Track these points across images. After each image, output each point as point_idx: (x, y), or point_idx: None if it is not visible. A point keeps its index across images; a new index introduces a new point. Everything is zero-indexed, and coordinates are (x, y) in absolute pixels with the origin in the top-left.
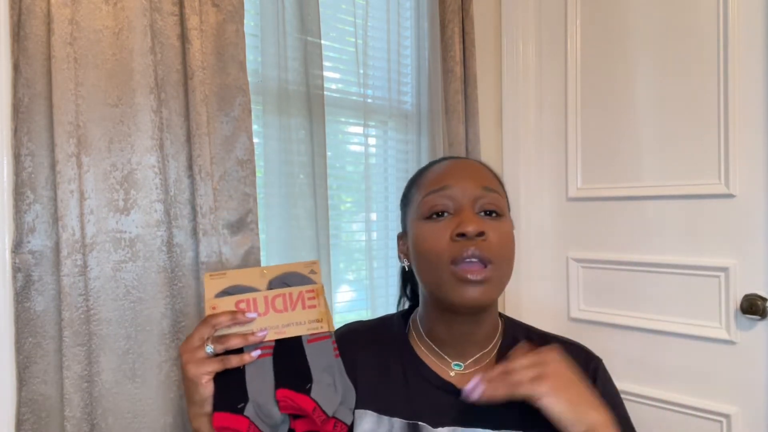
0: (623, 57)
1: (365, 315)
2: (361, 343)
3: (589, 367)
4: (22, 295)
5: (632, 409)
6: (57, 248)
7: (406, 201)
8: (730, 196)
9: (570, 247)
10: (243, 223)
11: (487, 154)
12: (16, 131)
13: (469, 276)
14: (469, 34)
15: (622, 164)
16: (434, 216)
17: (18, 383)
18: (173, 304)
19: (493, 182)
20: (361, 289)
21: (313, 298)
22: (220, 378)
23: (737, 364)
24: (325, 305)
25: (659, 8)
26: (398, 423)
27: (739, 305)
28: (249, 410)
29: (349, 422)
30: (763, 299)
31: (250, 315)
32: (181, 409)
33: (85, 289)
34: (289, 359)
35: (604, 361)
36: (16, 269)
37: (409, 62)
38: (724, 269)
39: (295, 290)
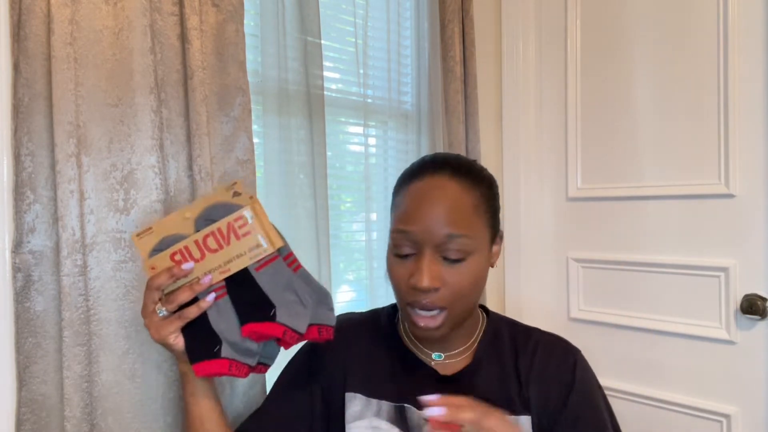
0: (623, 57)
1: None
2: (353, 332)
3: (568, 359)
4: (22, 295)
5: (632, 409)
6: (57, 248)
7: (392, 202)
8: (730, 196)
9: (570, 247)
10: None
11: (487, 154)
12: (16, 131)
13: (419, 323)
14: (469, 34)
15: (622, 164)
16: (399, 254)
17: (18, 383)
18: None
19: (464, 220)
20: (361, 289)
21: (244, 224)
22: (187, 331)
23: (737, 364)
24: (261, 224)
25: (659, 8)
26: (386, 405)
27: (739, 305)
28: (225, 350)
29: (332, 323)
30: (763, 299)
31: (187, 266)
32: (181, 409)
33: (85, 289)
34: (245, 292)
35: (604, 361)
36: (16, 269)
37: (409, 62)
38: (724, 269)
39: (222, 223)
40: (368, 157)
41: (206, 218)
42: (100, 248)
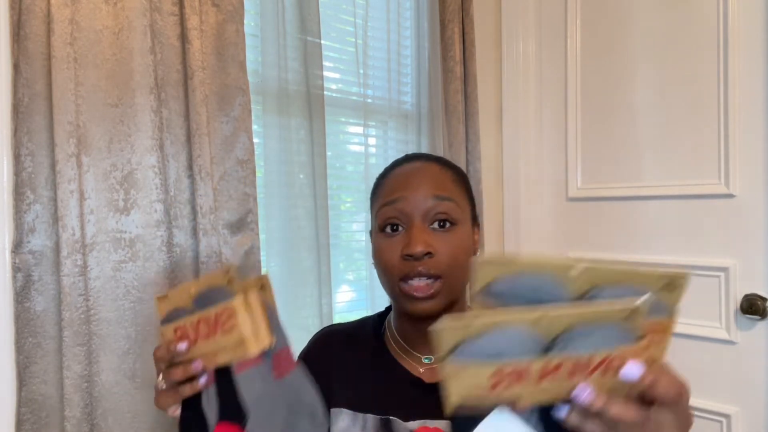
0: (623, 57)
1: (365, 315)
2: (336, 346)
3: None
4: (22, 295)
5: None
6: (57, 248)
7: (371, 202)
8: (730, 196)
9: (570, 247)
10: (243, 223)
11: (487, 154)
12: (16, 131)
13: (415, 294)
14: (469, 34)
15: (622, 164)
16: (388, 229)
17: (18, 383)
18: None
19: (448, 188)
20: (361, 289)
21: (229, 318)
22: (186, 405)
23: (737, 364)
24: (250, 320)
25: (659, 8)
26: (371, 418)
27: (739, 305)
28: None
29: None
30: (763, 299)
31: (180, 346)
32: None
33: (85, 289)
34: (227, 388)
35: None
36: (16, 269)
37: (409, 62)
38: (724, 269)
39: (212, 312)
40: (368, 157)
41: (204, 300)
42: (100, 248)
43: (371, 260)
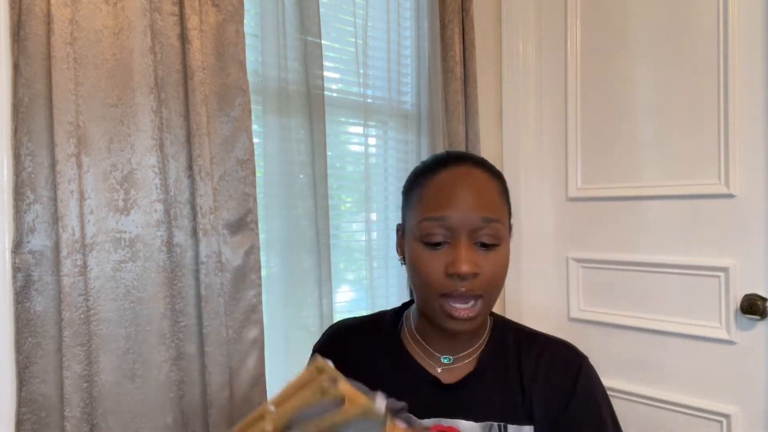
0: (623, 57)
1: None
2: (352, 341)
3: (572, 366)
4: (22, 295)
5: (632, 409)
6: (57, 248)
7: (405, 200)
8: (730, 196)
9: (570, 247)
10: (243, 223)
11: (487, 154)
12: (16, 131)
13: (456, 315)
14: (469, 34)
15: (622, 164)
16: (430, 241)
17: (18, 383)
18: (173, 304)
19: (496, 207)
20: (361, 289)
21: None
22: None
23: (737, 364)
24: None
25: (659, 8)
26: None
27: (739, 305)
28: None
29: None
30: (763, 299)
31: None
32: (181, 409)
33: (85, 289)
34: None
35: (604, 361)
36: (16, 269)
37: (409, 62)
38: (724, 269)
39: None
40: (368, 157)
41: (298, 422)
42: (100, 248)
43: (371, 261)
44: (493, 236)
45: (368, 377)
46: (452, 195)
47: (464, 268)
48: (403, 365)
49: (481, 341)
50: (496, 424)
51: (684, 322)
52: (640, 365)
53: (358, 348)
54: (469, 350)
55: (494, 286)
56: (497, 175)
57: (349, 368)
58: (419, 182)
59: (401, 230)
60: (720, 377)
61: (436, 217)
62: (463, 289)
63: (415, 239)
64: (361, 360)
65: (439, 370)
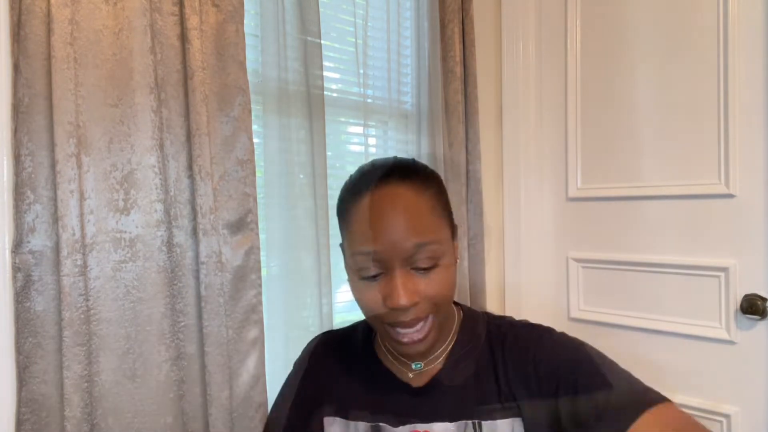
0: (623, 57)
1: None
2: (330, 355)
3: (534, 335)
4: (22, 295)
5: None
6: (57, 248)
7: (338, 219)
8: (730, 196)
9: (570, 247)
10: (243, 223)
11: (487, 154)
12: (16, 131)
13: (404, 340)
14: (469, 34)
15: (622, 164)
16: (364, 274)
17: (18, 383)
18: (173, 304)
19: (427, 228)
20: None
21: None
22: None
23: (737, 364)
24: None
25: (659, 8)
26: (362, 426)
27: (739, 305)
28: None
29: None
30: (763, 299)
31: None
32: (181, 409)
33: (85, 289)
34: None
35: None
36: (16, 269)
37: (409, 62)
38: (724, 269)
39: None
40: (368, 157)
41: None
42: (100, 248)
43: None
44: (429, 259)
45: (345, 389)
46: (378, 225)
47: (402, 301)
48: (377, 374)
49: (448, 340)
50: (470, 422)
51: (684, 322)
52: (640, 365)
53: (336, 362)
54: (438, 351)
55: (440, 304)
56: (427, 185)
57: (328, 382)
58: (346, 208)
59: (343, 249)
60: (720, 377)
61: (366, 252)
62: (407, 320)
63: (352, 271)
64: (339, 373)
65: (411, 375)
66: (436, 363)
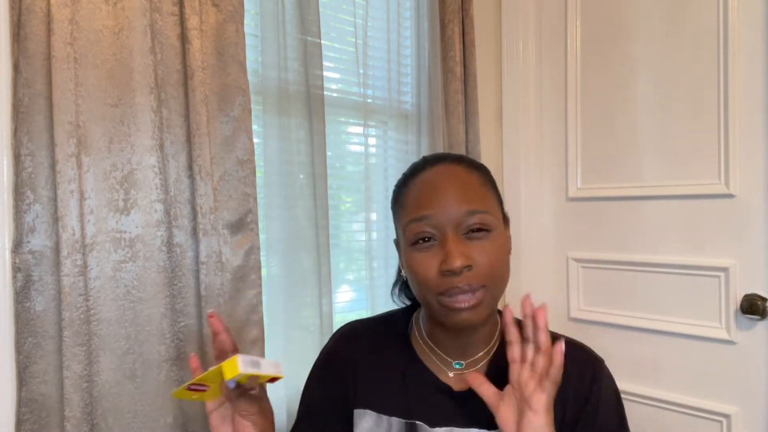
0: (623, 57)
1: (365, 315)
2: (363, 342)
3: (588, 371)
4: (22, 295)
5: (632, 409)
6: (57, 248)
7: (394, 211)
8: (730, 196)
9: (570, 247)
10: (243, 223)
11: (487, 154)
12: (16, 131)
13: (457, 305)
14: (469, 34)
15: (622, 164)
16: (420, 242)
17: (18, 383)
18: (173, 304)
19: (478, 199)
20: (361, 289)
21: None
22: None
23: (737, 364)
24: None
25: (659, 8)
26: (396, 422)
27: (739, 305)
28: None
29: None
30: (763, 299)
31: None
32: (181, 409)
33: (85, 289)
34: None
35: (605, 362)
36: (16, 269)
37: (409, 62)
38: (724, 269)
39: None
40: (368, 157)
41: None
42: (100, 248)
43: (371, 261)
44: (481, 224)
45: (379, 382)
46: (432, 193)
47: (456, 262)
48: (415, 371)
49: (491, 344)
50: None
51: (684, 322)
52: (640, 365)
53: (369, 352)
54: (481, 353)
55: (493, 274)
56: (478, 168)
57: (359, 373)
58: (401, 191)
59: (397, 244)
60: (720, 377)
61: (420, 217)
62: (460, 283)
63: (407, 244)
64: (372, 364)
65: (451, 375)
66: (477, 366)
